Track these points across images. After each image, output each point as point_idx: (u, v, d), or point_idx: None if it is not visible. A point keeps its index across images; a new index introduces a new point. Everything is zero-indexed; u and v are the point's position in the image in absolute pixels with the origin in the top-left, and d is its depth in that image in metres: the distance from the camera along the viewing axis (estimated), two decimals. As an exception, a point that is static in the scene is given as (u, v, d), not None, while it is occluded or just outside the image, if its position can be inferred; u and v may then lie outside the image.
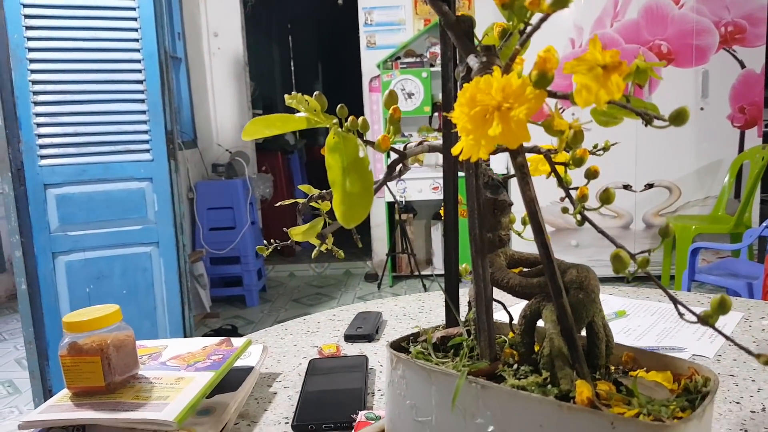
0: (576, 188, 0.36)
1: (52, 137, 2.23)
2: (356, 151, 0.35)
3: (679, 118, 0.29)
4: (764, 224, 2.43)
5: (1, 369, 3.01)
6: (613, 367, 0.40)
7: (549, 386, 0.35)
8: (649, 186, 3.74)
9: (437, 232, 4.37)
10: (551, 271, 0.33)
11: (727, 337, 0.28)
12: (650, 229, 3.75)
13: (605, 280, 1.09)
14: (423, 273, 4.22)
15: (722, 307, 0.28)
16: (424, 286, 4.10)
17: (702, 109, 3.63)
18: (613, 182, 3.70)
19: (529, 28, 0.30)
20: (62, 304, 2.26)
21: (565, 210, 0.38)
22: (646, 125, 0.31)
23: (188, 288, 2.55)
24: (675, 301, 0.31)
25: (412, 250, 4.08)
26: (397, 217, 4.07)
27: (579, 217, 0.35)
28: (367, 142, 0.37)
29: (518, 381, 0.36)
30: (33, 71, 2.18)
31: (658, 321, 0.89)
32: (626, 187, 3.72)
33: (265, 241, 0.59)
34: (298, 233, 0.49)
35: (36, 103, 2.19)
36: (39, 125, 2.20)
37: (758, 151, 3.26)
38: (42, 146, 2.21)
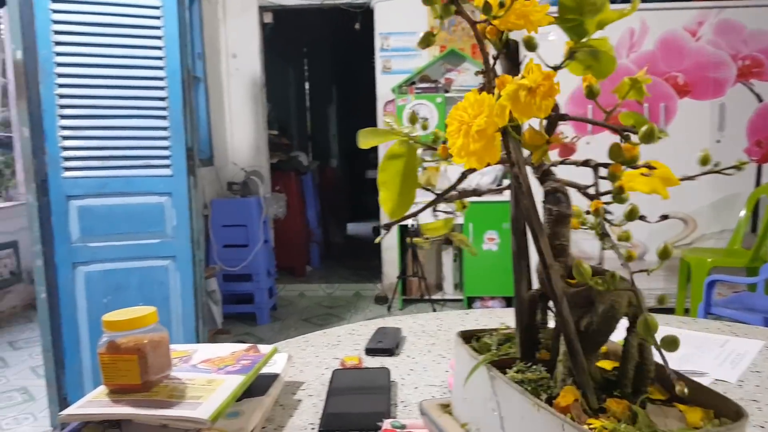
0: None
1: (76, 150, 2.28)
2: (417, 163, 0.39)
3: (648, 136, 0.31)
4: (781, 257, 2.41)
5: (16, 376, 3.03)
6: (659, 394, 0.42)
7: (549, 387, 0.37)
8: (664, 217, 3.72)
9: (448, 257, 4.37)
10: (547, 276, 0.35)
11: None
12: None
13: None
14: (433, 297, 4.21)
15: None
16: (434, 310, 4.09)
17: (718, 141, 3.64)
18: (627, 211, 3.70)
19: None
20: (80, 313, 2.28)
21: (584, 222, 0.40)
22: (623, 141, 0.33)
23: (202, 303, 2.56)
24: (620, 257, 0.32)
25: (422, 274, 4.08)
26: (408, 240, 4.08)
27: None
28: (429, 147, 0.40)
29: (517, 375, 0.38)
30: (60, 85, 2.24)
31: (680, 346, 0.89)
32: (641, 217, 3.72)
33: (373, 225, 0.61)
34: (432, 228, 0.52)
35: (62, 117, 2.25)
36: (64, 138, 2.25)
37: (774, 185, 3.25)
38: (66, 158, 2.26)
